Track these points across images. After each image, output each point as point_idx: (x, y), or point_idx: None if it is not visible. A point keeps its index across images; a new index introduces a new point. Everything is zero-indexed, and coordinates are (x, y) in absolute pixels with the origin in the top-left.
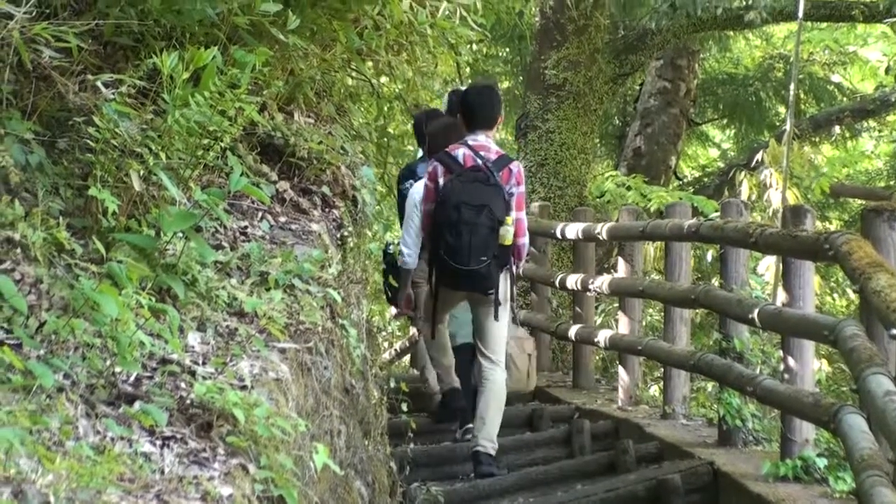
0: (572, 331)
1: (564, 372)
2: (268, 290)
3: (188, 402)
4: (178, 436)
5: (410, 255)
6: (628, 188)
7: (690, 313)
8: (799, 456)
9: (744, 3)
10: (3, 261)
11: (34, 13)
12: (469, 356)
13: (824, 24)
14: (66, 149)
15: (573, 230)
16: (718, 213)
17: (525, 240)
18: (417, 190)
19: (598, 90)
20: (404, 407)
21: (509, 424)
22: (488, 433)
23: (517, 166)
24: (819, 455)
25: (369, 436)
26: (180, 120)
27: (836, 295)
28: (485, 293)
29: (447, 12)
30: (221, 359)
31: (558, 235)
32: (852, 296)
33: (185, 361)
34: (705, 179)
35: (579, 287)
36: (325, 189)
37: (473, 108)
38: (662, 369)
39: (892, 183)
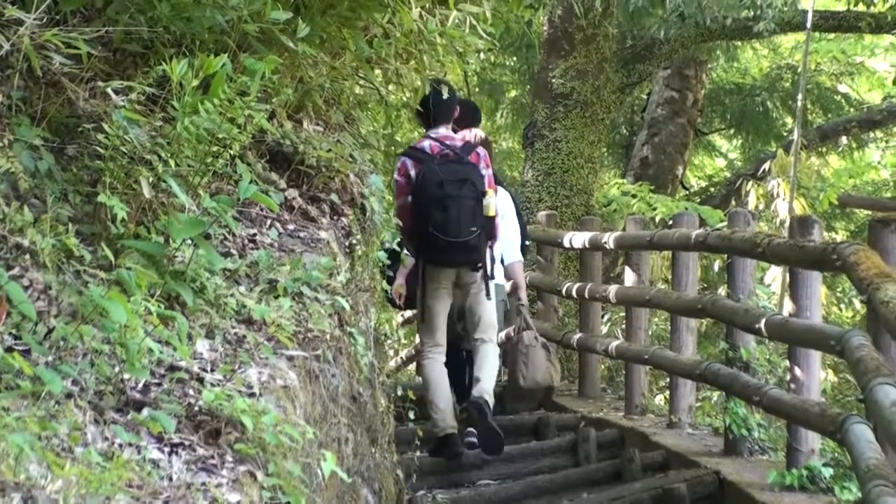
0: (578, 339)
1: (570, 380)
2: (276, 297)
3: (196, 409)
4: (187, 443)
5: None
6: (633, 196)
7: (696, 323)
8: (805, 465)
9: (752, 13)
10: (12, 267)
11: (44, 19)
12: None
13: (832, 35)
14: (76, 155)
15: (580, 239)
16: (725, 224)
17: (498, 219)
18: None
19: (606, 99)
20: (411, 415)
21: (515, 433)
22: (482, 388)
23: (483, 151)
24: (825, 465)
25: (376, 443)
26: (190, 127)
27: (842, 305)
28: (474, 266)
29: (457, 21)
30: (230, 366)
31: (565, 244)
32: (858, 306)
33: (193, 368)
34: (712, 189)
35: (586, 296)
36: (334, 197)
37: (434, 106)
38: (668, 378)
39: None
